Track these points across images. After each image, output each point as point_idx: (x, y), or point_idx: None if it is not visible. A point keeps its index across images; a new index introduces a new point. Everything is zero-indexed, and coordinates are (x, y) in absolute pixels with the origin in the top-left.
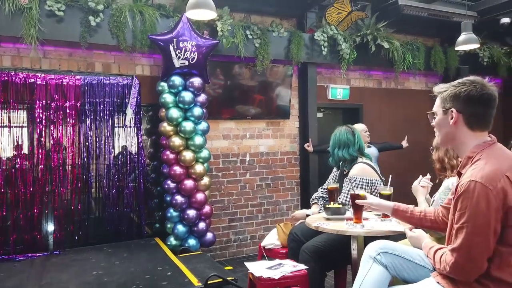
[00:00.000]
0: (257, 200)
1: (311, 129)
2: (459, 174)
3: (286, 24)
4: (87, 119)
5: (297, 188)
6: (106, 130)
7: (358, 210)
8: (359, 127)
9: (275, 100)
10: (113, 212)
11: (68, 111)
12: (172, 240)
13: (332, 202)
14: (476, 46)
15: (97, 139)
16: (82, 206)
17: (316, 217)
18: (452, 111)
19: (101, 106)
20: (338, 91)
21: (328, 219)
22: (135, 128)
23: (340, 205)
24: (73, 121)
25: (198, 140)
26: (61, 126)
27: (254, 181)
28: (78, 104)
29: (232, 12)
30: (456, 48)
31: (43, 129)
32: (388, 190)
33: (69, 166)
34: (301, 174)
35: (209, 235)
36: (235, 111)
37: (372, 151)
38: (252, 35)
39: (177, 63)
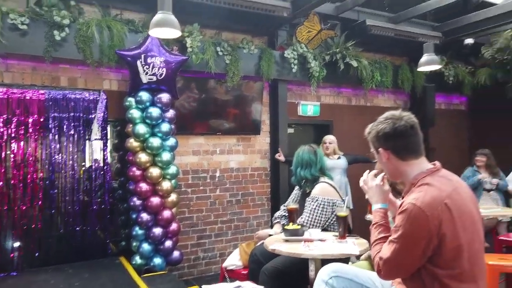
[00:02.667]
0: (227, 217)
1: (281, 145)
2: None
3: (257, 41)
4: (50, 135)
5: (267, 203)
6: (71, 146)
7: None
8: (325, 138)
9: (246, 115)
10: (77, 230)
11: (30, 126)
12: (137, 259)
13: (291, 223)
14: (438, 67)
15: (62, 154)
16: (44, 224)
17: (274, 239)
18: (379, 151)
19: (66, 121)
20: (309, 108)
21: (286, 240)
22: (102, 144)
23: (299, 226)
24: (36, 136)
25: (165, 156)
26: (22, 142)
27: (224, 197)
28: (41, 119)
29: (204, 28)
30: (419, 69)
31: (4, 144)
32: (344, 212)
33: (31, 183)
34: (272, 190)
35: (176, 254)
36: (209, 125)
37: (342, 162)
38: (222, 51)
39: (144, 78)
